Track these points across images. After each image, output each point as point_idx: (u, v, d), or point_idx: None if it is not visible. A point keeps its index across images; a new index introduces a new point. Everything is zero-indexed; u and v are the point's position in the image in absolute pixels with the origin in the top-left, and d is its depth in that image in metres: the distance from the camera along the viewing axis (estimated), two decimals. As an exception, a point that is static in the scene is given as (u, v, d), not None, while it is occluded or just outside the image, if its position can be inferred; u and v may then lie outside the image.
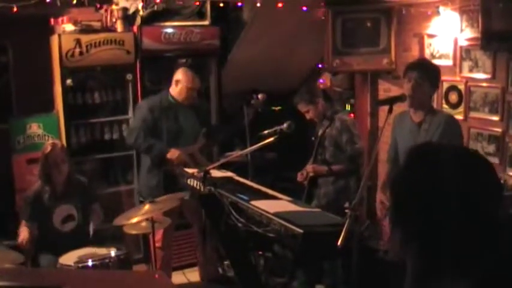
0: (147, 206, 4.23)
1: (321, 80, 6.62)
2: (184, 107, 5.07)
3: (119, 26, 5.51)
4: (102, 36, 5.35)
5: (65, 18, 5.45)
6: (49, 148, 4.50)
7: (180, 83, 5.01)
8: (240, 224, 3.48)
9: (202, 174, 3.91)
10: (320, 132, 4.80)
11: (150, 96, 5.27)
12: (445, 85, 5.09)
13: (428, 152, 1.31)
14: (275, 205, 3.53)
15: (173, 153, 4.88)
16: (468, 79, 4.91)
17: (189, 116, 5.14)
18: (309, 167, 4.79)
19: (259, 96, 5.46)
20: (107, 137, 5.64)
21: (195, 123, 5.20)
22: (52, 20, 5.56)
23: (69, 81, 5.30)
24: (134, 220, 4.23)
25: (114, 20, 5.55)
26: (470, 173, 1.23)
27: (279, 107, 6.40)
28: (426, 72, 3.93)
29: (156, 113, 4.97)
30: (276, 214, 3.27)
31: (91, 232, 4.61)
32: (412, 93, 3.87)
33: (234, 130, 5.65)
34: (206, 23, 5.82)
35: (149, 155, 5.00)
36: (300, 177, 4.83)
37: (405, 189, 1.27)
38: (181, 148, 4.96)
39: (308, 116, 4.85)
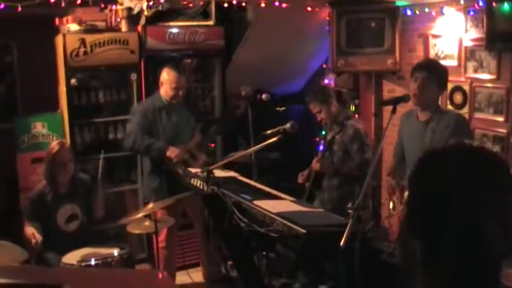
0: (150, 205, 4.27)
1: (327, 81, 6.59)
2: (177, 105, 5.07)
3: (123, 26, 5.53)
4: (106, 36, 5.36)
5: (69, 18, 5.46)
6: (57, 148, 4.49)
7: (164, 83, 5.02)
8: (243, 224, 3.47)
9: (205, 173, 3.91)
10: (330, 136, 4.68)
11: (144, 100, 5.32)
12: (450, 86, 5.05)
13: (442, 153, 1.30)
14: (278, 205, 3.52)
15: (172, 152, 4.88)
16: (473, 79, 4.89)
17: (182, 114, 5.14)
18: (315, 163, 4.64)
19: (263, 96, 5.45)
20: (111, 136, 5.66)
21: (189, 120, 5.20)
22: (57, 20, 5.58)
23: (73, 81, 5.31)
24: (137, 216, 4.26)
25: (118, 19, 5.58)
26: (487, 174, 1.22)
27: (282, 108, 6.40)
28: (434, 74, 3.91)
29: (150, 116, 4.98)
30: (279, 214, 3.26)
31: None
32: (418, 93, 3.85)
33: (230, 123, 5.60)
34: (210, 23, 5.84)
35: (149, 155, 5.00)
36: (300, 178, 4.76)
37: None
38: (179, 146, 4.97)
39: (320, 117, 4.76)
